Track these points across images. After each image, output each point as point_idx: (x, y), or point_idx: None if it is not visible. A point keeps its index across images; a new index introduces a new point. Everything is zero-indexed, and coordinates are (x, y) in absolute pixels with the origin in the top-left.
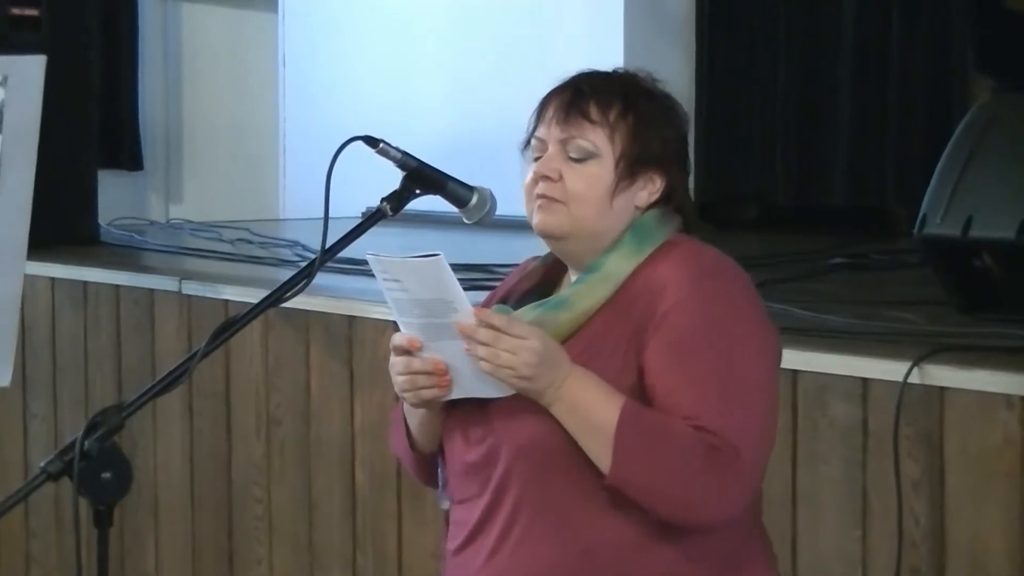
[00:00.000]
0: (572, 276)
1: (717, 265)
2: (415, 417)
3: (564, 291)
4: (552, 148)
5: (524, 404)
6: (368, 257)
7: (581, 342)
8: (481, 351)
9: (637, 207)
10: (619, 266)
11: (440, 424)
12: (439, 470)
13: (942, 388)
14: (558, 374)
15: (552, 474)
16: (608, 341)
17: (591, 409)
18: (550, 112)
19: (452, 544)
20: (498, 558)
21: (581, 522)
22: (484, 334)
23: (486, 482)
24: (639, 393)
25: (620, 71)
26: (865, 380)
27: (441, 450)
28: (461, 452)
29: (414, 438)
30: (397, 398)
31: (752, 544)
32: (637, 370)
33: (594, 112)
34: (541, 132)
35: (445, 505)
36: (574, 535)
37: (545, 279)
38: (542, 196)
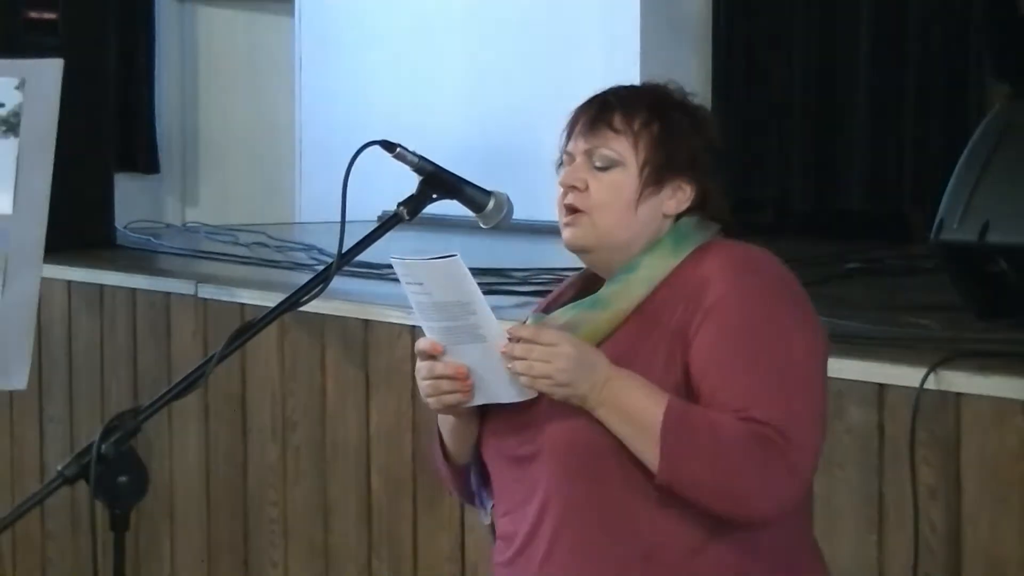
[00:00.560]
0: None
1: (760, 260)
2: (446, 425)
3: (601, 291)
4: (579, 159)
5: (565, 409)
6: (392, 260)
7: (620, 343)
8: (518, 365)
9: (666, 215)
10: (656, 267)
11: (472, 433)
12: (475, 484)
13: (958, 394)
14: (597, 377)
15: (601, 478)
16: (648, 341)
17: (636, 409)
18: (578, 126)
19: (501, 557)
20: (551, 564)
21: (636, 525)
22: (518, 348)
23: (532, 490)
24: (684, 391)
25: (650, 84)
26: (881, 386)
27: (478, 462)
28: (501, 462)
29: (447, 448)
30: (414, 402)
31: (808, 546)
32: (682, 367)
33: (618, 121)
34: (570, 147)
35: (486, 520)
36: (630, 538)
37: (584, 289)
38: (569, 207)
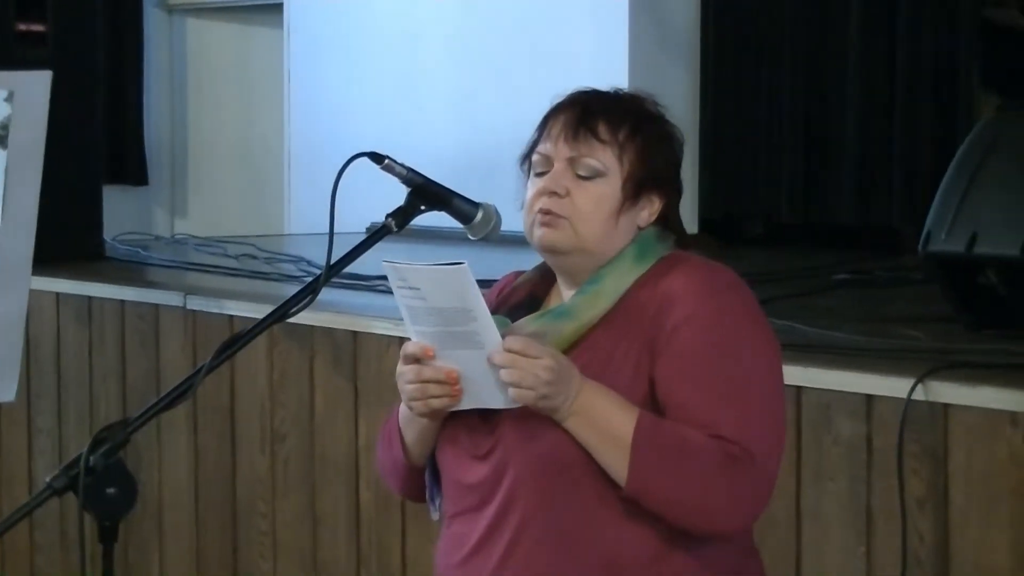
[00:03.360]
0: (564, 289)
1: (724, 278)
2: (414, 429)
3: (566, 302)
4: (559, 165)
5: (533, 417)
6: (384, 264)
7: (587, 353)
8: (510, 375)
9: (639, 227)
10: (621, 279)
11: (435, 436)
12: (428, 482)
13: (946, 405)
14: (571, 389)
15: (563, 487)
16: (616, 353)
17: (606, 421)
18: (556, 129)
19: (452, 558)
20: (507, 569)
21: (595, 534)
22: (501, 358)
23: (490, 495)
24: (650, 405)
25: (623, 91)
26: (869, 397)
27: (432, 462)
28: (462, 465)
29: (409, 452)
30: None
31: (752, 549)
32: (648, 382)
33: (604, 131)
34: (546, 148)
35: (436, 517)
36: (588, 547)
37: (532, 293)
38: (547, 211)
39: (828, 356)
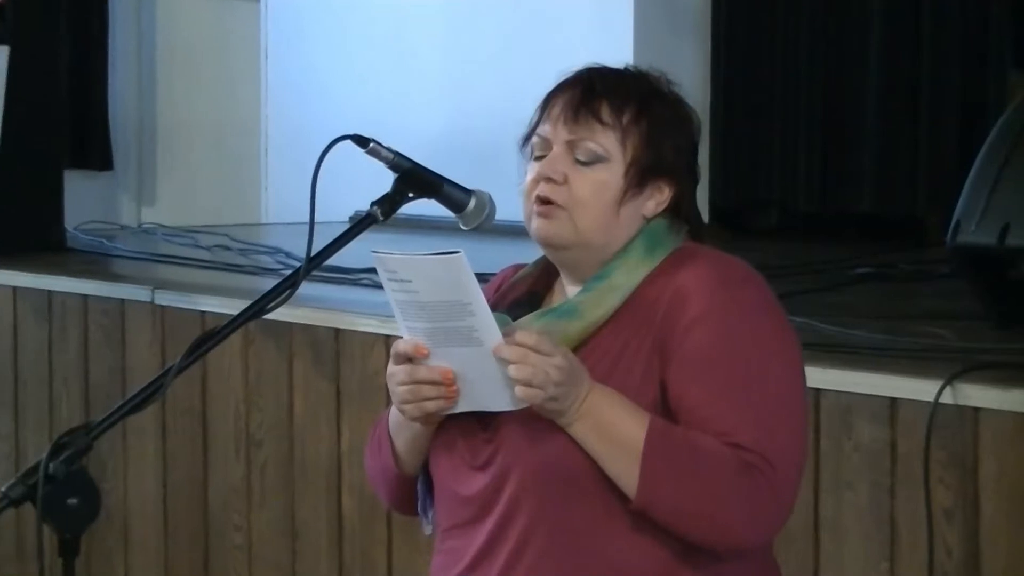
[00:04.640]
0: (567, 285)
1: (739, 273)
2: (405, 436)
3: (572, 299)
4: (558, 148)
5: (535, 422)
6: (373, 255)
7: (595, 353)
8: (520, 371)
9: (644, 217)
10: (630, 274)
11: (428, 443)
12: (420, 493)
13: (976, 408)
14: (581, 391)
15: (569, 498)
16: (626, 354)
17: (616, 427)
18: (557, 109)
19: (446, 573)
20: None
21: (602, 547)
22: (509, 352)
23: (488, 507)
24: (661, 408)
25: (633, 69)
26: (893, 400)
27: (425, 472)
28: (459, 475)
29: (400, 460)
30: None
31: (771, 565)
32: (659, 385)
33: (606, 113)
34: (545, 130)
35: (428, 531)
36: (594, 562)
37: (532, 288)
38: (543, 199)
39: (848, 356)
